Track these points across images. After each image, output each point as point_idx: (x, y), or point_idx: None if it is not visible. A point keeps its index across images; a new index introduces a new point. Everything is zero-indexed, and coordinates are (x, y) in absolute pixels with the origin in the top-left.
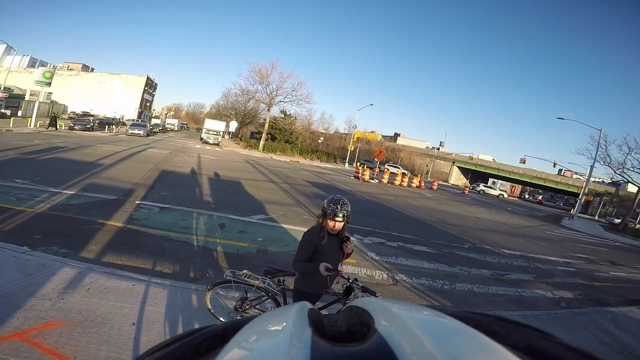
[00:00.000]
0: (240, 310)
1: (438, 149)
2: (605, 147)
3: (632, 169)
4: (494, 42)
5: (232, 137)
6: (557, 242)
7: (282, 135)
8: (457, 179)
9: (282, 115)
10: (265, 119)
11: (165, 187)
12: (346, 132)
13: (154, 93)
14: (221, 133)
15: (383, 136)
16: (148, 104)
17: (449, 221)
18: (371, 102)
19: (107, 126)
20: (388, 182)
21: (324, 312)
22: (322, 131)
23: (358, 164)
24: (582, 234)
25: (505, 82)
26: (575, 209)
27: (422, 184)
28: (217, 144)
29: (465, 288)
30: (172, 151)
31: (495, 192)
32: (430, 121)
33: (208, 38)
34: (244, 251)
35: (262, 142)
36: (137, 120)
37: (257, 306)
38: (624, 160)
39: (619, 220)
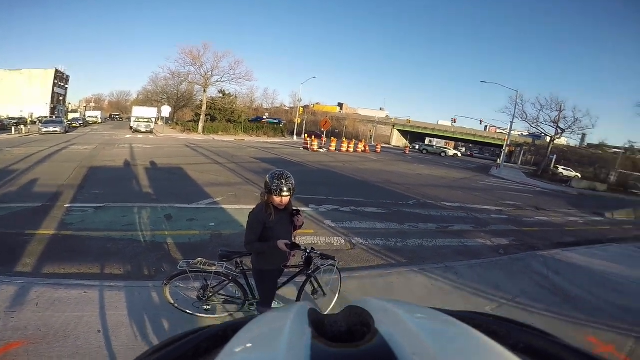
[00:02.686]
0: (204, 299)
1: (396, 118)
2: (521, 106)
3: (544, 122)
4: (425, 11)
5: (166, 123)
6: (489, 191)
7: (222, 115)
8: (397, 141)
9: (221, 95)
10: (202, 101)
11: (97, 185)
12: (292, 106)
13: (66, 86)
14: (153, 120)
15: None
16: (61, 98)
17: (394, 180)
18: (314, 75)
19: (13, 127)
20: (336, 150)
21: (287, 289)
22: (266, 107)
23: (306, 135)
24: (508, 182)
25: (436, 49)
26: (501, 159)
27: (367, 149)
28: (150, 132)
29: (416, 243)
30: (99, 145)
31: (450, 153)
32: (370, 89)
33: (125, 21)
34: (197, 239)
35: (201, 124)
36: (50, 117)
37: (221, 292)
38: (538, 115)
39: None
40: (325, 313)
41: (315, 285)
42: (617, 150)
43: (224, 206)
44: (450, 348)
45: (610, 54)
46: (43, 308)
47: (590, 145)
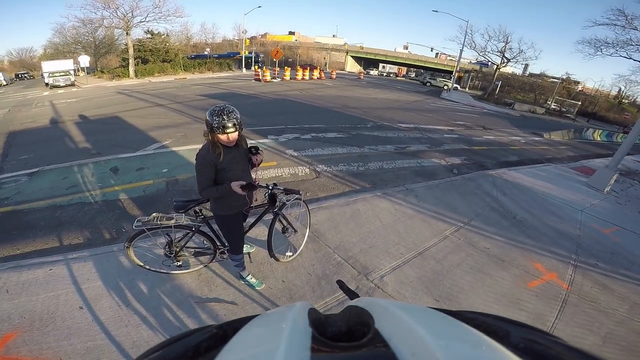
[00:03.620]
0: (172, 255)
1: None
2: (471, 35)
3: (492, 52)
4: None
5: (88, 73)
6: (441, 112)
7: (155, 56)
8: (352, 67)
9: (149, 36)
10: (127, 44)
11: (23, 150)
12: (236, 38)
13: None
14: (72, 72)
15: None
16: None
17: (351, 105)
18: (259, 4)
19: None
20: (290, 79)
21: (257, 229)
22: (207, 43)
23: (256, 66)
24: (458, 104)
25: None
26: (451, 83)
27: (322, 76)
28: (72, 84)
29: (377, 166)
30: (12, 108)
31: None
32: (322, 16)
33: None
34: (152, 189)
35: (131, 68)
36: None
37: (188, 244)
38: (486, 45)
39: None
40: (301, 250)
41: (285, 222)
42: (555, 80)
43: (174, 149)
44: (450, 348)
45: None
46: (16, 294)
47: (532, 75)
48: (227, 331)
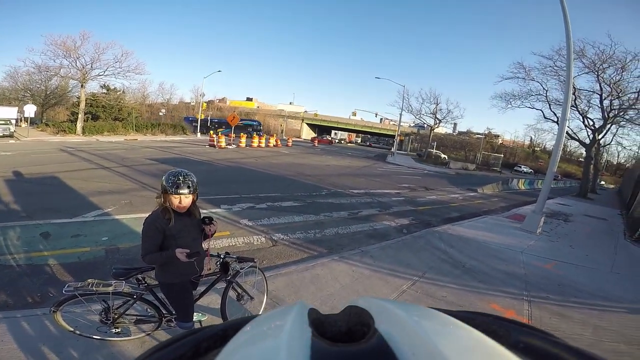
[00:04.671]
0: (109, 322)
1: (311, 112)
2: (407, 99)
3: (425, 114)
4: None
5: (31, 124)
6: (387, 176)
7: (107, 113)
8: (307, 134)
9: (105, 91)
10: (79, 97)
11: None
12: (193, 101)
13: None
14: (13, 121)
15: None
16: None
17: (306, 172)
18: (219, 69)
19: None
20: (246, 146)
21: (209, 297)
22: (162, 103)
23: (212, 132)
24: (402, 167)
25: (338, 48)
26: (394, 147)
27: (279, 143)
28: (10, 135)
29: (333, 232)
30: None
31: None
32: (280, 85)
33: None
34: (89, 256)
35: (79, 124)
36: None
37: (129, 312)
38: (420, 108)
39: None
40: (261, 314)
41: (239, 290)
42: (480, 136)
43: (117, 216)
44: (450, 348)
45: (473, 53)
46: None
47: (460, 133)
48: (227, 331)
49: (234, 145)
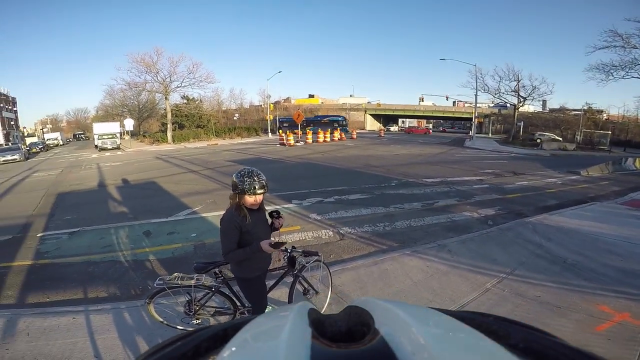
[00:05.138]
0: (191, 313)
1: (372, 102)
2: (482, 79)
3: (506, 92)
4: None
5: (132, 136)
6: (466, 162)
7: (190, 121)
8: (371, 125)
9: (185, 101)
10: (165, 109)
11: (68, 211)
12: (261, 103)
13: (14, 109)
14: (118, 135)
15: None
16: (12, 122)
17: (373, 163)
18: (280, 69)
19: None
20: (312, 141)
21: (278, 291)
22: (235, 108)
23: (281, 131)
24: (483, 151)
25: (395, 32)
26: (472, 130)
27: (343, 136)
28: (118, 147)
29: (404, 225)
30: (65, 169)
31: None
32: (339, 79)
33: (63, 32)
34: (180, 252)
35: (169, 134)
36: (6, 144)
37: (208, 304)
38: (498, 86)
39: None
40: (324, 312)
41: (305, 284)
42: (577, 112)
43: (203, 215)
44: (450, 348)
45: (561, 19)
46: (35, 337)
47: (552, 110)
48: (227, 331)
49: (302, 142)
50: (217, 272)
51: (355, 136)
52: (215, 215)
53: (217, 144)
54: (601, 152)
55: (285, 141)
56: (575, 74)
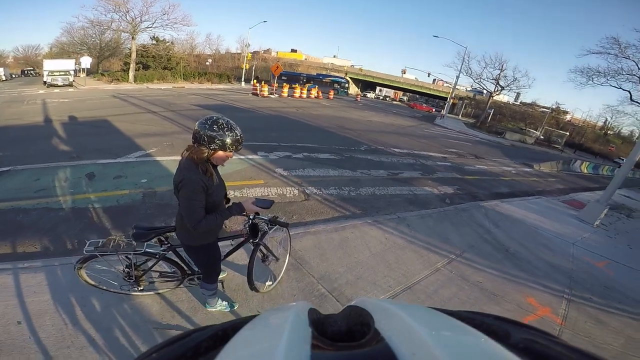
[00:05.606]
0: (131, 279)
1: (354, 65)
2: (468, 62)
3: (487, 79)
4: None
5: (89, 75)
6: (434, 138)
7: (157, 63)
8: (350, 89)
9: (154, 42)
10: (131, 48)
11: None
12: (239, 51)
13: None
14: (72, 72)
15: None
16: None
17: (346, 126)
18: (264, 19)
19: None
20: (288, 96)
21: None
22: (209, 53)
23: (255, 81)
24: (451, 131)
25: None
26: (445, 109)
27: (320, 95)
28: (70, 85)
29: (369, 192)
30: (3, 104)
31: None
32: (324, 37)
33: None
34: (127, 200)
35: (131, 73)
36: None
37: (152, 269)
38: (481, 72)
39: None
40: (280, 277)
41: (265, 250)
42: (545, 110)
43: (158, 158)
44: (450, 348)
45: (554, 24)
46: None
47: (523, 103)
48: (227, 331)
49: (277, 95)
50: (163, 238)
51: (332, 97)
52: (171, 160)
53: (183, 87)
54: (555, 150)
55: (258, 92)
56: (557, 72)
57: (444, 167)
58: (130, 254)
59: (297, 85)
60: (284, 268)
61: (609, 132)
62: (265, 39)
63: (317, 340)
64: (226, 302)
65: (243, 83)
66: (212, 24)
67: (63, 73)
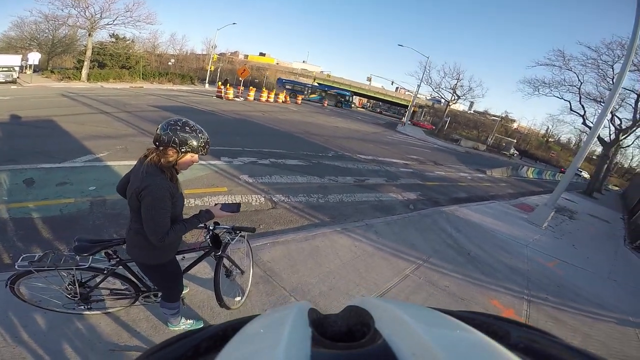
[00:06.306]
0: (76, 297)
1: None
2: (429, 71)
3: (445, 89)
4: None
5: (36, 71)
6: (396, 145)
7: (114, 61)
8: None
9: (113, 40)
10: (86, 45)
11: None
12: (204, 52)
13: None
14: (17, 68)
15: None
16: None
17: (314, 132)
18: (233, 21)
19: None
20: (254, 99)
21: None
22: (172, 54)
23: (220, 83)
24: (412, 138)
25: (358, 8)
26: (406, 117)
27: (288, 99)
28: (13, 81)
29: (337, 199)
30: None
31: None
32: (294, 43)
33: None
34: (72, 209)
35: (84, 71)
36: None
37: (100, 286)
38: (440, 82)
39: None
40: (248, 291)
41: (228, 264)
42: (496, 118)
43: (109, 163)
44: (450, 348)
45: (507, 35)
46: None
47: (477, 112)
48: (227, 331)
49: (242, 98)
50: (111, 252)
51: (299, 102)
52: (124, 165)
53: (142, 87)
54: (504, 156)
55: (223, 94)
56: (508, 82)
57: (406, 174)
58: (72, 269)
59: (264, 89)
60: (250, 280)
61: (550, 139)
62: (233, 41)
63: (317, 341)
64: (192, 320)
65: (207, 85)
66: (178, 23)
67: (6, 69)
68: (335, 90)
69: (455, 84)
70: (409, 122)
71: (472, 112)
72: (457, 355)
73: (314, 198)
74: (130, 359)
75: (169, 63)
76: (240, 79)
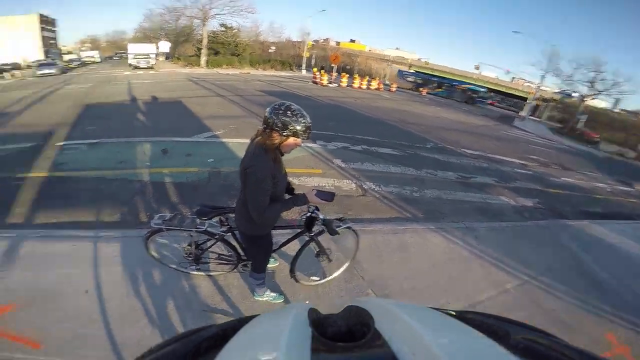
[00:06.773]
0: (191, 257)
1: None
2: (556, 61)
3: (579, 81)
4: None
5: (167, 59)
6: (512, 142)
7: (225, 49)
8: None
9: (223, 29)
10: (202, 34)
11: (92, 122)
12: (299, 40)
13: (54, 29)
14: (153, 55)
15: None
16: (52, 42)
17: (410, 120)
18: (324, 8)
19: (6, 73)
20: (347, 86)
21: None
22: (272, 41)
23: (315, 69)
24: (532, 135)
25: None
26: (526, 111)
27: (381, 87)
28: (151, 67)
29: (434, 194)
30: (96, 83)
31: None
32: (386, 29)
33: None
34: (194, 178)
35: (203, 58)
36: (45, 60)
37: (211, 249)
38: (572, 73)
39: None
40: (328, 278)
41: (319, 248)
42: None
43: (224, 140)
44: (450, 348)
45: None
46: (33, 265)
47: (625, 111)
48: (227, 331)
49: (335, 84)
50: (224, 219)
51: (394, 89)
52: (235, 143)
53: (249, 73)
54: None
55: (318, 80)
56: None
57: (522, 176)
58: (192, 230)
59: (356, 76)
60: (339, 272)
61: None
62: (324, 29)
63: (317, 341)
64: (275, 293)
65: (304, 71)
66: (273, 12)
67: (145, 56)
68: (465, 86)
69: (595, 77)
70: (530, 117)
71: (618, 110)
72: (456, 355)
73: (408, 191)
74: (215, 321)
75: (270, 50)
76: (333, 65)
